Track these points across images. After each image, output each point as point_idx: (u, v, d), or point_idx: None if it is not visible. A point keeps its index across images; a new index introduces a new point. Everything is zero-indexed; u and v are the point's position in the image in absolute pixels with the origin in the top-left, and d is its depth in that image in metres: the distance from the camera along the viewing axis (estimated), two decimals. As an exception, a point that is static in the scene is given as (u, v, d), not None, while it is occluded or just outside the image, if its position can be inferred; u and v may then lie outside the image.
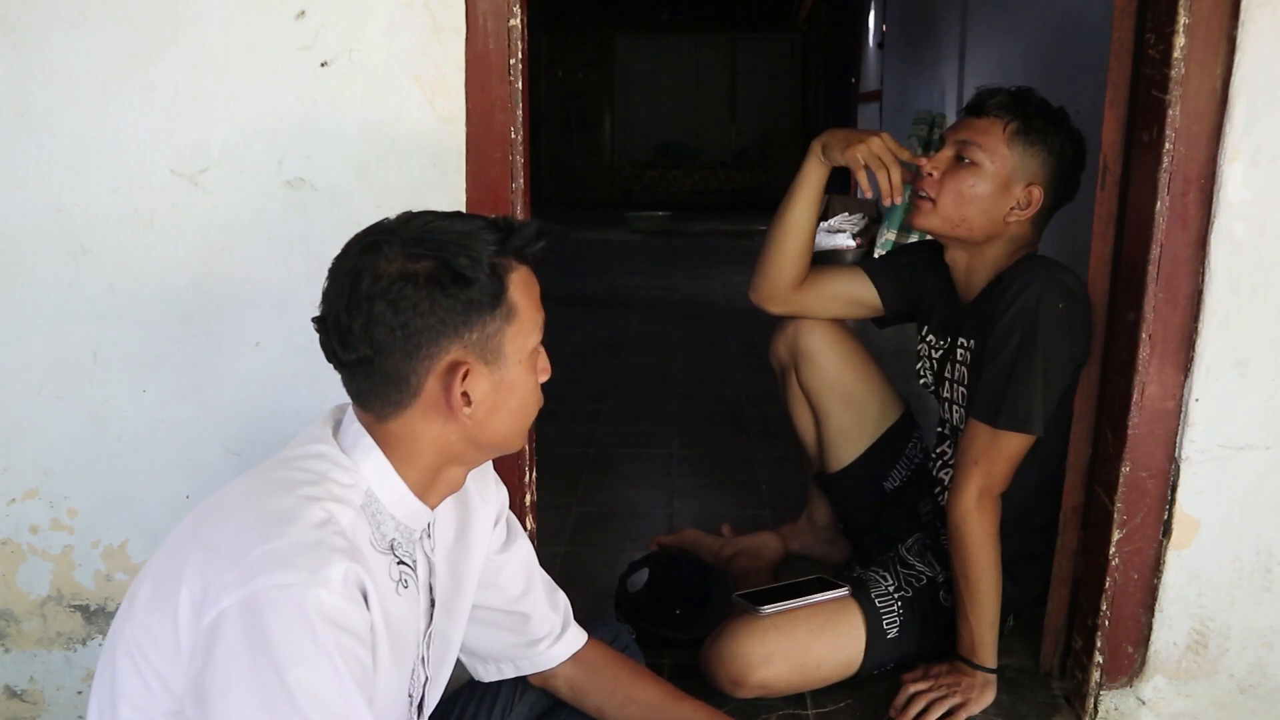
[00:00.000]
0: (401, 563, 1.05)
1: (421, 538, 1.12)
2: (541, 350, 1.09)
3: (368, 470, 1.03)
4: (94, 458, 1.55)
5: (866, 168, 1.76)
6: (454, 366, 1.01)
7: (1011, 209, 1.69)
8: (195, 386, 1.53)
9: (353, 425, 1.05)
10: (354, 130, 1.45)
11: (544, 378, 1.10)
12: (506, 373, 1.04)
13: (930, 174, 1.71)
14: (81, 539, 1.58)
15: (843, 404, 2.03)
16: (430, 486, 1.08)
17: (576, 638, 1.35)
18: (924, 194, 1.72)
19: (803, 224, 1.89)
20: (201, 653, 0.90)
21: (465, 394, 1.02)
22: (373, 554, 1.00)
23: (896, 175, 1.75)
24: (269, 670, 0.88)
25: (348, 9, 1.42)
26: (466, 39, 1.43)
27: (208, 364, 1.52)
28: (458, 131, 1.45)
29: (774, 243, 1.92)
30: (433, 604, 1.16)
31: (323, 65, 1.43)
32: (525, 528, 1.56)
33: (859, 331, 2.18)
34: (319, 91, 1.44)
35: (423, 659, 1.15)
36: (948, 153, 1.71)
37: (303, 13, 1.42)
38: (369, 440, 1.04)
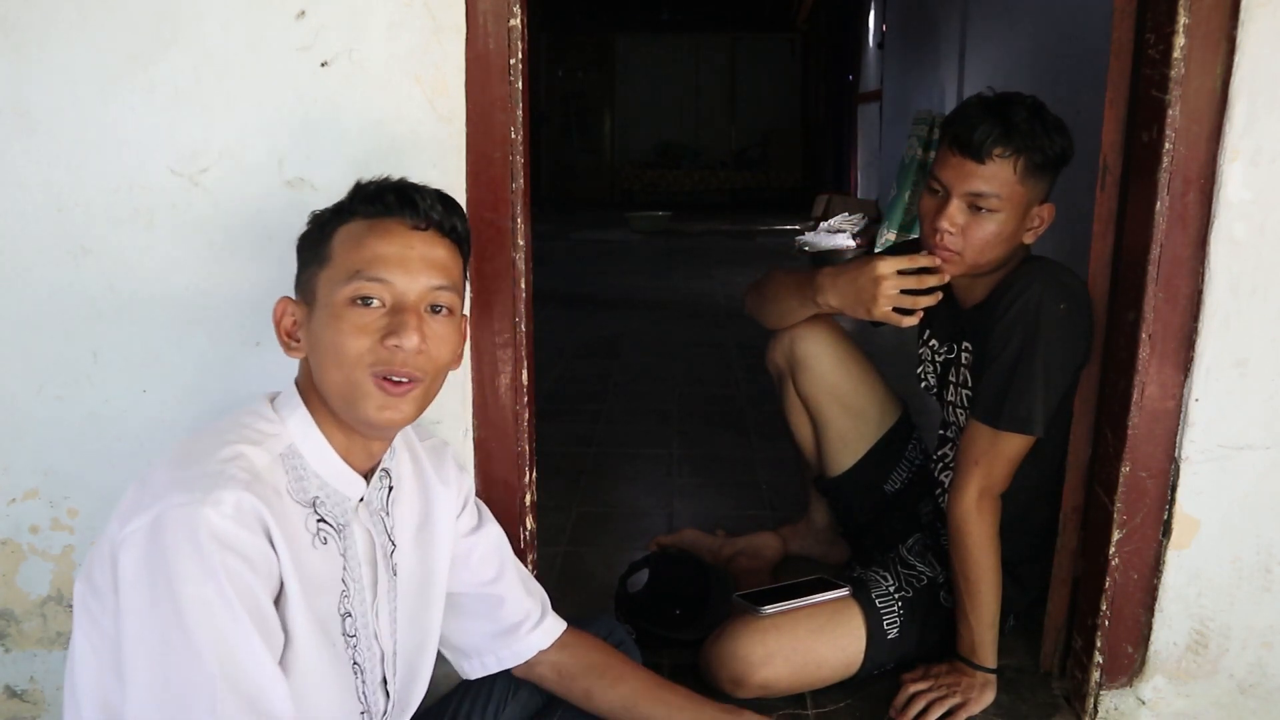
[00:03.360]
0: (322, 521, 1.08)
1: (360, 509, 1.14)
2: (380, 313, 1.06)
3: (293, 425, 1.09)
4: (94, 458, 1.55)
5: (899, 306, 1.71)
6: (281, 303, 1.13)
7: (1028, 230, 1.66)
8: (195, 386, 1.53)
9: (289, 388, 1.13)
10: (354, 130, 1.45)
11: (396, 341, 1.05)
12: (316, 316, 1.09)
13: (950, 231, 1.63)
14: (81, 539, 1.58)
15: (840, 409, 2.04)
16: (348, 448, 1.12)
17: (555, 625, 1.37)
18: (948, 249, 1.64)
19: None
20: (113, 582, 0.94)
21: (293, 333, 1.11)
22: (289, 502, 1.04)
23: (931, 279, 1.68)
24: (162, 587, 0.91)
25: (348, 9, 1.42)
26: (466, 39, 1.43)
27: (208, 364, 1.52)
28: (458, 131, 1.45)
29: (767, 319, 2.01)
30: (378, 577, 1.17)
31: (323, 65, 1.43)
32: (525, 527, 1.56)
33: (856, 332, 2.18)
34: (319, 91, 1.43)
35: (375, 633, 1.16)
36: (960, 204, 1.62)
37: (303, 13, 1.42)
38: (298, 399, 1.11)
